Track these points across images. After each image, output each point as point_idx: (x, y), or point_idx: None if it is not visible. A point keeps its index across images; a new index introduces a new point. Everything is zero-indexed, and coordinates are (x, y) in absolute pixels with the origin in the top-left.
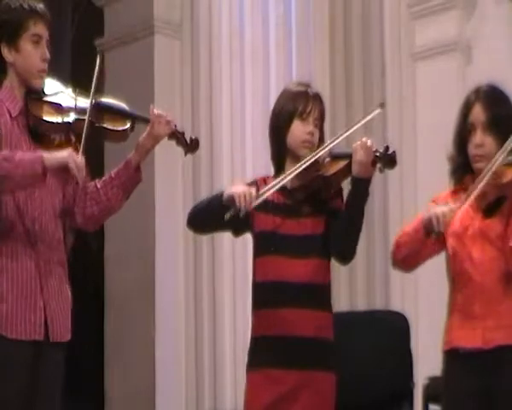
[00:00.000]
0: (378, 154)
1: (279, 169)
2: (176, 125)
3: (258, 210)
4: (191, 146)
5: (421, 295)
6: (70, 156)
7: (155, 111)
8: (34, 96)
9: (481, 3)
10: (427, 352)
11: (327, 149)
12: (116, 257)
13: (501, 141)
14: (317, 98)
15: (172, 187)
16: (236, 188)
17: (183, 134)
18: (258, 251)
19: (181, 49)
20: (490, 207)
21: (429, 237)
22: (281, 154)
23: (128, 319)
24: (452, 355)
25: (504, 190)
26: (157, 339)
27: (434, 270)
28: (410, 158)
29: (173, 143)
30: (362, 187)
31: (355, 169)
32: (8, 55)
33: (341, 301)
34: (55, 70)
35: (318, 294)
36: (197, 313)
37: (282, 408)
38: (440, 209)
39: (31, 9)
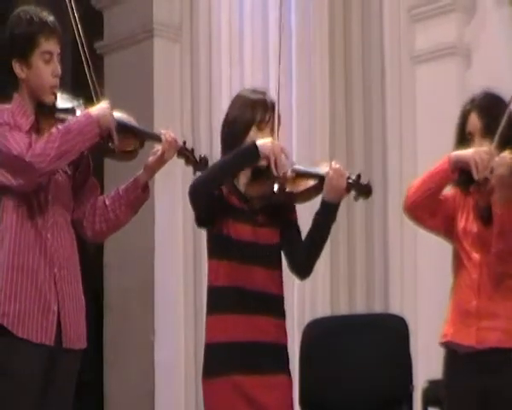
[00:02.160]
0: (351, 181)
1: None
2: (185, 143)
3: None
4: (200, 164)
5: (421, 298)
6: (107, 108)
7: (167, 136)
8: (46, 110)
9: (481, 7)
10: (426, 355)
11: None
12: (115, 261)
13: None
14: (273, 107)
15: (172, 190)
16: (272, 145)
17: (192, 152)
18: (214, 253)
19: (180, 52)
20: (486, 214)
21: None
22: None
23: (127, 322)
24: (451, 354)
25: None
26: (156, 342)
27: (433, 273)
28: (410, 161)
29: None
30: (331, 211)
31: (328, 194)
32: (20, 72)
33: (341, 304)
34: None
35: (273, 302)
36: (196, 316)
37: None
38: (478, 156)
39: (42, 23)
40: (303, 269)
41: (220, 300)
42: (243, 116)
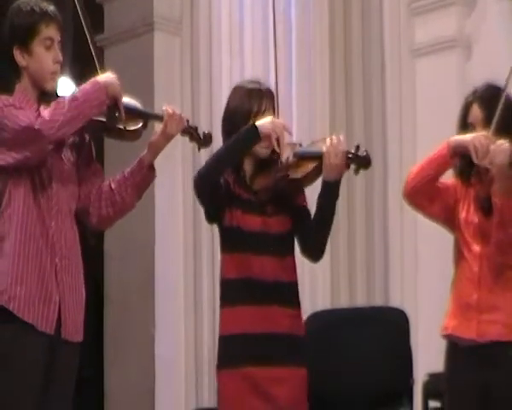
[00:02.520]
0: (350, 155)
1: (236, 168)
2: (188, 121)
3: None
4: (205, 141)
5: (421, 291)
6: (114, 78)
7: (169, 110)
8: (48, 98)
9: (481, 0)
10: (426, 348)
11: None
12: (116, 254)
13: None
14: (270, 95)
15: (172, 184)
16: (273, 123)
17: (195, 129)
18: (225, 247)
19: (181, 45)
20: (486, 205)
21: (456, 163)
22: None
23: (128, 316)
24: (453, 346)
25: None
26: (157, 336)
27: (434, 266)
28: (410, 155)
29: (185, 138)
30: (333, 189)
31: (327, 173)
32: (21, 60)
33: (341, 297)
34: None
35: (287, 291)
36: (197, 310)
37: (258, 406)
38: (477, 140)
39: (42, 12)
40: (314, 252)
41: (232, 292)
42: (242, 106)
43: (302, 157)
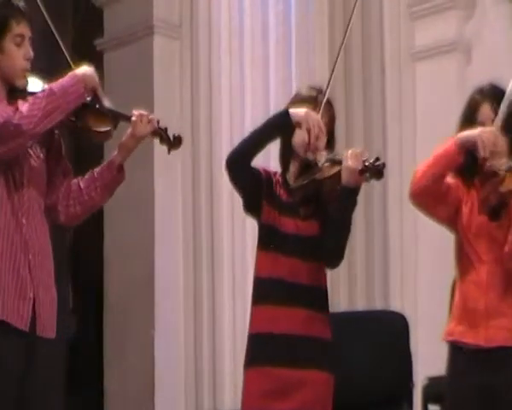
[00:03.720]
0: (367, 163)
1: (284, 168)
2: (158, 122)
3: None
4: (174, 143)
5: (421, 295)
6: (91, 70)
7: (136, 112)
8: (18, 94)
9: (481, 3)
10: (426, 352)
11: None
12: (115, 257)
13: (510, 137)
14: (326, 104)
15: (172, 186)
16: (306, 114)
17: (165, 131)
18: (260, 244)
19: (180, 49)
20: (495, 210)
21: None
22: (285, 154)
23: (127, 317)
24: (456, 350)
25: (504, 197)
26: (156, 338)
27: (434, 270)
28: (410, 158)
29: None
30: (349, 196)
31: (344, 176)
32: None
33: (341, 300)
34: (57, 70)
35: (315, 295)
36: (196, 311)
37: (278, 406)
38: (485, 135)
39: (13, 8)
40: (330, 258)
41: (263, 291)
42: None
43: (331, 162)
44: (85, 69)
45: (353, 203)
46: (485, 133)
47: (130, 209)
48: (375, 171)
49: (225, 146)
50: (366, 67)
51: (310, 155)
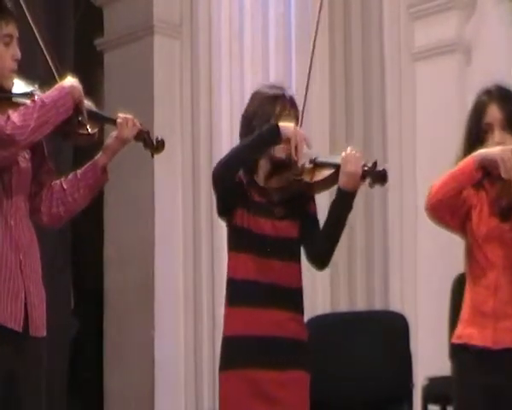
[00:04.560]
0: (367, 168)
1: (251, 169)
2: (141, 125)
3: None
4: (157, 147)
5: (421, 295)
6: (76, 81)
7: (122, 114)
8: (2, 95)
9: (481, 4)
10: (426, 353)
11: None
12: (116, 258)
13: None
14: (293, 101)
15: (172, 187)
16: (295, 130)
17: (148, 134)
18: (233, 245)
19: (180, 49)
20: (504, 211)
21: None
22: None
23: (127, 319)
24: (463, 351)
25: None
26: (156, 340)
27: (434, 271)
28: (410, 159)
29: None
30: (347, 199)
31: (343, 180)
32: None
33: (341, 301)
34: (59, 70)
35: (291, 296)
36: (196, 311)
37: (259, 409)
38: (507, 155)
39: (1, 9)
40: (320, 260)
41: (238, 292)
42: (263, 110)
43: (318, 165)
44: (71, 81)
45: (350, 207)
46: (505, 153)
47: (130, 210)
48: (379, 176)
49: (225, 145)
50: (366, 66)
51: (283, 155)
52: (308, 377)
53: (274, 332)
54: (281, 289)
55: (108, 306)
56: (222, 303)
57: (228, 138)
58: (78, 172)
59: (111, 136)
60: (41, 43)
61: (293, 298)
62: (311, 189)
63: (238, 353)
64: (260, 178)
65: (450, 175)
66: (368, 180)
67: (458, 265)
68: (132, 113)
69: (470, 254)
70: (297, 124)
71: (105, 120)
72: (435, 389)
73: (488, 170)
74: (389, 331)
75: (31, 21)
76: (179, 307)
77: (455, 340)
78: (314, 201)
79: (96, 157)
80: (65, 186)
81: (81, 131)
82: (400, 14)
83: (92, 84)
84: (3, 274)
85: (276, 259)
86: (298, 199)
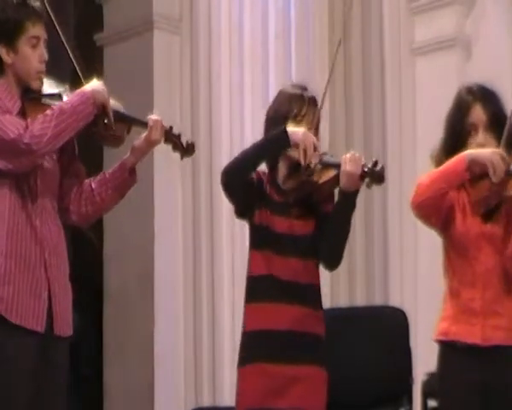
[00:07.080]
0: (366, 169)
1: (272, 167)
2: (172, 129)
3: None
4: (187, 150)
5: (421, 290)
6: (101, 84)
7: (153, 116)
8: (32, 96)
9: None
10: (426, 348)
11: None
12: (115, 253)
13: (499, 139)
14: (313, 102)
15: (171, 184)
16: (303, 135)
17: (179, 138)
18: (254, 243)
19: (180, 44)
20: (488, 212)
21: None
22: None
23: (127, 314)
24: (450, 348)
25: (506, 200)
26: (156, 334)
27: (433, 266)
28: (409, 154)
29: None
30: (348, 199)
31: (343, 180)
32: (7, 57)
33: (340, 296)
34: (57, 66)
35: (309, 292)
36: (196, 308)
37: (274, 403)
38: (496, 159)
39: (28, 10)
40: (328, 260)
41: (257, 288)
42: (280, 109)
43: (324, 166)
44: (94, 85)
45: (352, 207)
46: (495, 156)
47: (129, 206)
48: (376, 176)
49: (225, 141)
50: (366, 62)
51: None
52: (325, 373)
53: (292, 327)
54: (299, 286)
55: (108, 301)
56: (221, 297)
57: (227, 133)
58: (107, 172)
59: (140, 137)
60: (66, 45)
61: (310, 294)
62: (319, 189)
63: (256, 347)
64: (280, 178)
65: (439, 174)
66: (366, 180)
67: None
68: (132, 107)
69: (453, 251)
70: (315, 123)
71: (134, 122)
72: (435, 385)
73: (474, 171)
74: (389, 327)
75: (56, 24)
76: (179, 302)
77: (441, 337)
78: (332, 201)
79: (124, 158)
80: (93, 186)
81: (107, 133)
82: (400, 10)
83: (91, 79)
84: (26, 275)
85: (293, 256)
86: (312, 199)
